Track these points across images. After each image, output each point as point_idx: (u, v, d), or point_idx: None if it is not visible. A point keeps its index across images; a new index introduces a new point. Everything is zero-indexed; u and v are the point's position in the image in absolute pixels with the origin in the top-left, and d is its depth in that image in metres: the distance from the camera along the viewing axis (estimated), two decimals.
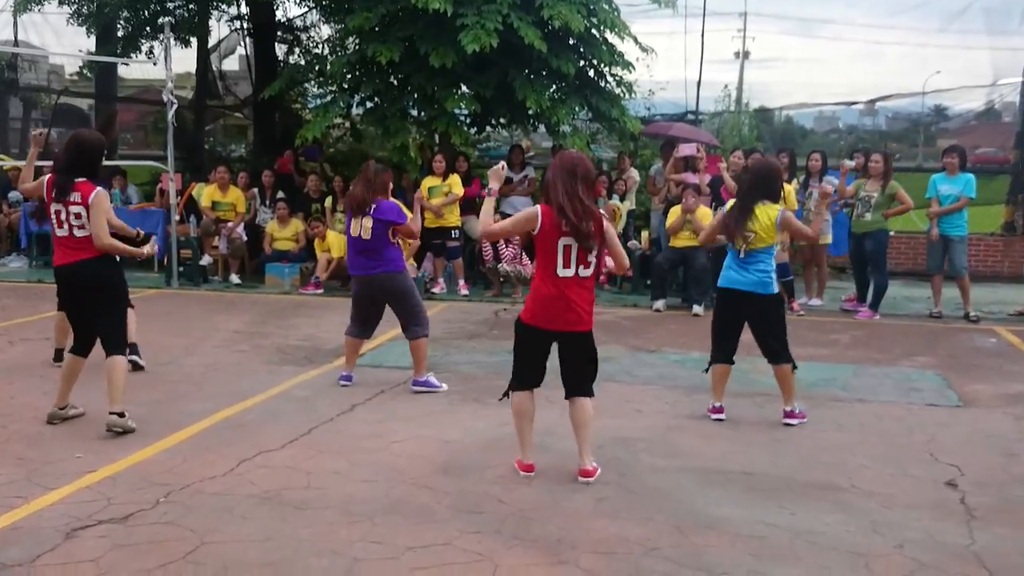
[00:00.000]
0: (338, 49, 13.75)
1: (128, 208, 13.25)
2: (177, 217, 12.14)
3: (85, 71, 16.25)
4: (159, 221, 12.73)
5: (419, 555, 4.09)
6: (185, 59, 16.85)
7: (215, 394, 6.77)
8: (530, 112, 12.33)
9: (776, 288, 6.25)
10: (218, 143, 17.40)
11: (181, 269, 12.20)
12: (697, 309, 10.54)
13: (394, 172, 8.74)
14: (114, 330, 5.88)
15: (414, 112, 12.73)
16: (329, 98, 12.92)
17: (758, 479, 5.19)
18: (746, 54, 51.84)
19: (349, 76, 12.81)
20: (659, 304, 10.75)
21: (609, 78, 13.32)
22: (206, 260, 12.61)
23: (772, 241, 6.19)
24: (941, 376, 7.71)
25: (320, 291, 11.67)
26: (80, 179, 5.79)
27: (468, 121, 13.52)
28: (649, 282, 11.55)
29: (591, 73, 13.29)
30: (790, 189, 10.41)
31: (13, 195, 14.24)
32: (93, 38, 15.56)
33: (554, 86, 12.56)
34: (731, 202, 6.42)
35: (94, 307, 5.87)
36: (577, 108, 12.82)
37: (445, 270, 12.18)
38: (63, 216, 5.78)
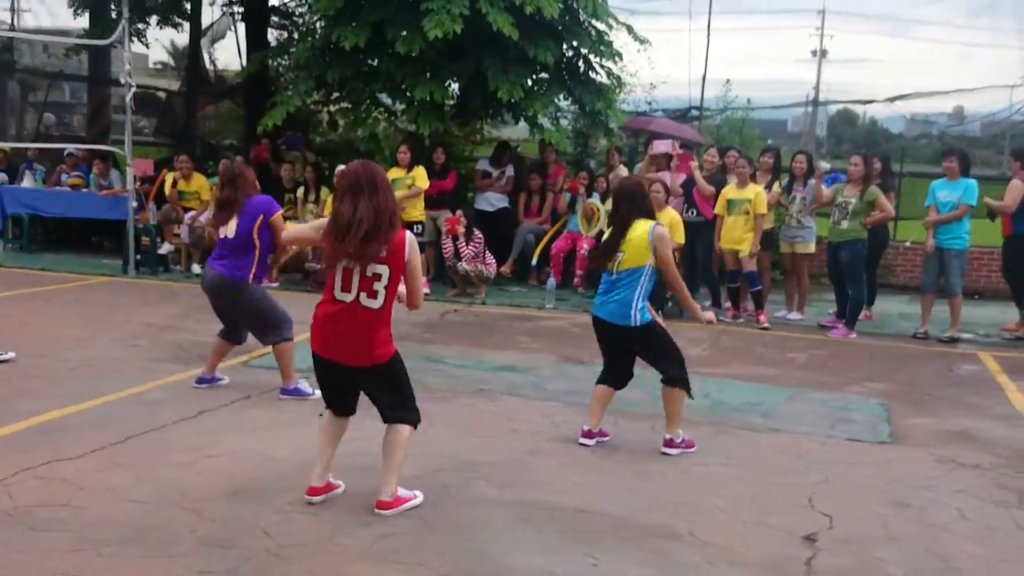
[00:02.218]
0: (309, 35, 13.19)
1: (99, 194, 12.94)
2: (135, 203, 11.75)
3: (72, 54, 16.08)
4: (127, 208, 12.37)
5: None
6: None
7: (65, 393, 6.26)
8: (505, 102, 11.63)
9: (643, 318, 5.47)
10: (209, 130, 17.10)
11: (139, 257, 11.82)
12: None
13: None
14: None
15: (388, 101, 12.15)
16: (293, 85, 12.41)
17: (587, 519, 4.50)
18: (823, 53, 50.66)
19: (320, 62, 12.25)
20: None
21: (599, 70, 12.60)
22: (166, 248, 12.20)
23: (643, 262, 5.45)
24: (884, 406, 6.86)
25: (275, 284, 11.15)
26: None
27: (453, 112, 12.93)
28: None
29: (580, 64, 12.59)
30: (759, 191, 9.62)
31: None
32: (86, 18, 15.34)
33: (533, 76, 11.87)
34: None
35: None
36: (559, 100, 12.12)
37: None
38: None
